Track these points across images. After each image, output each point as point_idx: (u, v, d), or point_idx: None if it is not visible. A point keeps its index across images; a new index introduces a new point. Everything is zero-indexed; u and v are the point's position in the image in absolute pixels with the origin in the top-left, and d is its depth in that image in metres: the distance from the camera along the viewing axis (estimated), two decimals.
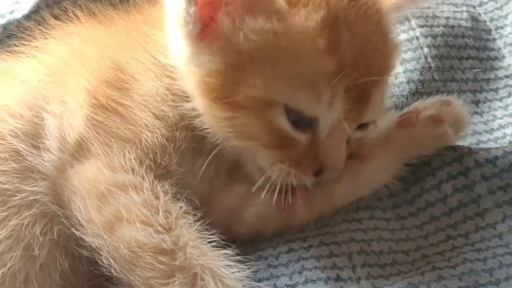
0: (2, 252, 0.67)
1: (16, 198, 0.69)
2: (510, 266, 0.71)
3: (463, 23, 0.98)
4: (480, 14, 1.01)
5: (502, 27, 1.00)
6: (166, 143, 0.70)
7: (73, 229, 0.67)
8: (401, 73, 0.90)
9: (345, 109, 0.67)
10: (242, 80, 0.66)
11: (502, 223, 0.76)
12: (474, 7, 1.02)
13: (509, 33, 0.99)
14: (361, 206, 0.78)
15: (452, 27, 0.96)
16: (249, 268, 0.66)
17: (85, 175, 0.68)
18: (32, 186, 0.69)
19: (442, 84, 0.91)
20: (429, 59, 0.92)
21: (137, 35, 0.76)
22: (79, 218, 0.66)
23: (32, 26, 0.82)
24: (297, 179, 0.70)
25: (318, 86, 0.66)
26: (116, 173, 0.68)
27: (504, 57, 0.97)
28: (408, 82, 0.90)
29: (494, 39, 0.99)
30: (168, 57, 0.73)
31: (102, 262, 0.65)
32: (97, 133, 0.70)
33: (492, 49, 0.98)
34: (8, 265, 0.67)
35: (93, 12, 0.80)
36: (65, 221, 0.68)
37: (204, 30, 0.67)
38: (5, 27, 0.86)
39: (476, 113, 0.91)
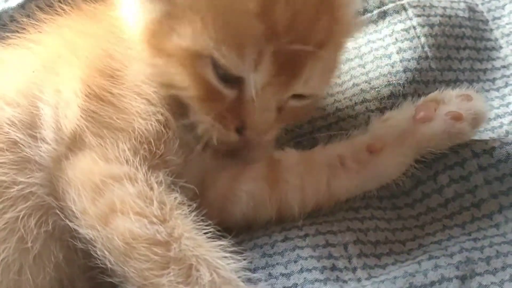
0: None
1: (13, 190, 0.68)
2: (507, 255, 0.71)
3: (460, 13, 0.97)
4: (477, 5, 1.00)
5: (499, 18, 1.00)
6: (161, 130, 0.70)
7: (67, 221, 0.67)
8: (398, 62, 0.90)
9: (271, 74, 0.67)
10: (175, 29, 0.68)
11: (498, 213, 0.76)
12: None
13: (506, 24, 0.99)
14: (358, 195, 0.78)
15: (449, 17, 0.96)
16: (244, 259, 0.65)
17: (80, 166, 0.68)
18: (28, 178, 0.69)
19: (439, 74, 0.91)
20: (426, 48, 0.91)
21: (110, 24, 0.77)
22: (74, 209, 0.66)
23: (25, 18, 0.81)
24: (220, 134, 0.71)
25: (244, 46, 0.66)
26: (111, 164, 0.67)
27: (501, 47, 0.97)
28: (404, 71, 0.89)
29: (491, 30, 0.98)
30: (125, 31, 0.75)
31: (97, 254, 0.65)
32: (91, 123, 0.69)
33: (489, 40, 0.97)
34: (2, 256, 0.67)
35: (79, 5, 0.81)
36: (59, 212, 0.68)
37: None
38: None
39: None
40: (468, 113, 0.77)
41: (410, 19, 0.94)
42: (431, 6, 0.96)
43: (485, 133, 0.86)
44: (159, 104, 0.71)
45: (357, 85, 0.90)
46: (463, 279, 0.68)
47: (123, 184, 0.66)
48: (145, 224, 0.63)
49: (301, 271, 0.69)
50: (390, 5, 0.96)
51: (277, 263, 0.70)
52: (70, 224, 0.66)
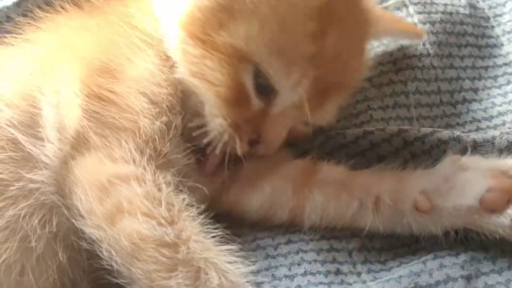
0: None
1: (13, 188, 0.67)
2: None
3: (461, 10, 0.97)
4: (478, 1, 1.00)
5: (500, 15, 0.99)
6: (165, 128, 0.69)
7: (74, 220, 0.66)
8: (400, 59, 0.89)
9: (305, 97, 0.68)
10: (227, 25, 0.67)
11: None
12: None
13: (508, 21, 0.98)
14: None
15: (450, 13, 0.95)
16: (253, 264, 0.65)
17: (87, 166, 0.67)
18: (30, 176, 0.68)
19: (441, 71, 0.91)
20: (428, 46, 0.91)
21: (118, 17, 0.76)
22: (80, 208, 0.65)
23: (21, 17, 0.80)
24: (231, 142, 0.70)
25: (293, 63, 0.67)
26: (117, 164, 0.67)
27: (502, 44, 0.96)
28: (406, 69, 0.88)
29: (492, 27, 0.98)
30: (155, 27, 0.73)
31: (103, 255, 0.64)
32: (94, 124, 0.69)
33: (491, 37, 0.97)
34: (4, 257, 0.66)
35: (77, 3, 0.80)
36: (66, 212, 0.67)
37: None
38: None
39: (475, 100, 0.91)
40: None
41: (411, 16, 0.94)
42: (432, 3, 0.96)
43: (487, 131, 0.86)
44: (163, 102, 0.70)
45: None
46: (468, 278, 0.68)
47: (130, 184, 0.65)
48: (153, 225, 0.63)
49: (305, 273, 0.69)
50: (391, 2, 0.96)
51: (281, 265, 0.69)
52: (76, 223, 0.66)
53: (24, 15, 0.81)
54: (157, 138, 0.68)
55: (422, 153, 0.79)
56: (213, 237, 0.65)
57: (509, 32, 0.97)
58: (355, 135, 0.81)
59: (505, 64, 0.94)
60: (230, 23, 0.67)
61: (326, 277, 0.68)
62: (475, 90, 0.91)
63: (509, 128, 0.86)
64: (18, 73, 0.74)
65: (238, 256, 0.64)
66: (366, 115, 0.85)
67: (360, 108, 0.86)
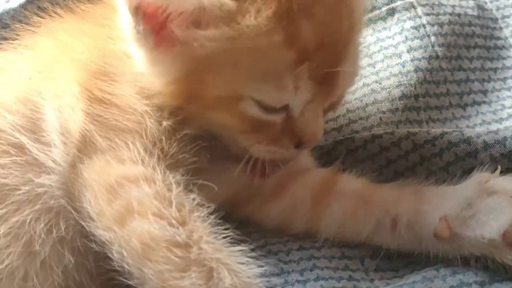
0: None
1: (19, 192, 0.67)
2: None
3: (470, 11, 0.96)
4: (486, 3, 1.00)
5: (508, 16, 0.99)
6: (170, 127, 0.69)
7: (84, 223, 0.65)
8: (409, 62, 0.89)
9: (312, 93, 0.67)
10: (204, 83, 0.67)
11: None
12: None
13: None
14: None
15: (459, 15, 0.95)
16: (266, 265, 0.64)
17: (95, 169, 0.67)
18: (37, 180, 0.68)
19: (450, 73, 0.90)
20: (436, 48, 0.90)
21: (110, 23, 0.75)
22: (90, 211, 0.65)
23: (27, 19, 0.80)
24: (280, 155, 0.71)
25: (280, 77, 0.66)
26: (125, 165, 0.66)
27: (511, 46, 0.96)
28: (416, 71, 0.88)
29: (501, 28, 0.97)
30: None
31: (113, 256, 0.63)
32: (97, 127, 0.68)
33: (499, 38, 0.96)
34: (6, 262, 0.65)
35: (72, 8, 0.79)
36: (75, 214, 0.66)
37: (158, 38, 0.66)
38: (0, 17, 0.84)
39: (484, 102, 0.90)
40: None
41: (420, 17, 0.93)
42: (440, 5, 0.96)
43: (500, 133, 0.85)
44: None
45: (368, 85, 0.89)
46: (482, 284, 0.67)
47: (140, 185, 0.64)
48: (164, 225, 0.62)
49: (317, 279, 0.68)
50: (399, 2, 0.95)
51: (293, 270, 0.69)
52: (86, 226, 0.65)
53: (28, 18, 0.81)
54: (163, 138, 0.68)
55: (432, 156, 0.79)
56: (224, 237, 0.64)
57: None
58: (363, 139, 0.81)
59: None
60: (207, 78, 0.66)
61: (339, 282, 0.68)
62: (484, 92, 0.91)
63: None
64: (17, 79, 0.74)
65: (249, 257, 0.63)
66: (375, 118, 0.85)
67: (369, 111, 0.85)
